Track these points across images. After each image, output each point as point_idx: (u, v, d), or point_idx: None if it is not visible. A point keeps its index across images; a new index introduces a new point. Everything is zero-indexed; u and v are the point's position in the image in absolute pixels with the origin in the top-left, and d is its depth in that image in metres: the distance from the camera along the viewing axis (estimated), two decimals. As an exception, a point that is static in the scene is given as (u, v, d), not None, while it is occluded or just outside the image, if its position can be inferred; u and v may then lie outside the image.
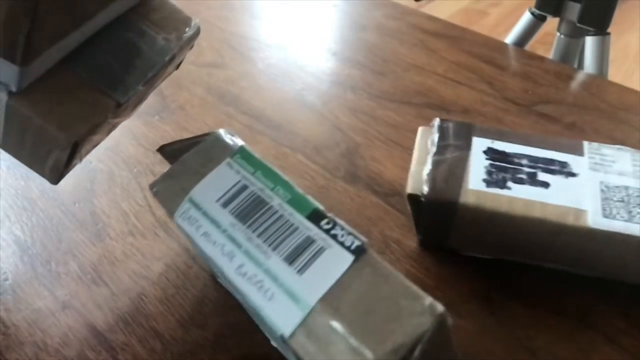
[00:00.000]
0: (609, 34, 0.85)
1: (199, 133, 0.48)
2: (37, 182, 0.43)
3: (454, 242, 0.37)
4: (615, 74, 1.82)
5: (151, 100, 0.52)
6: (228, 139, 0.32)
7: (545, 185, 0.35)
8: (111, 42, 0.33)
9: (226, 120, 0.49)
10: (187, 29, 0.35)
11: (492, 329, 0.34)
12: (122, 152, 0.47)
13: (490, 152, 0.37)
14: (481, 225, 0.35)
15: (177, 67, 0.38)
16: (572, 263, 0.35)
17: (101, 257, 0.38)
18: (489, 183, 0.35)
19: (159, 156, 0.46)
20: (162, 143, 0.47)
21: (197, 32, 0.36)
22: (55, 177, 0.33)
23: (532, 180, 0.35)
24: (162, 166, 0.45)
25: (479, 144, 0.37)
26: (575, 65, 0.90)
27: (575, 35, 0.85)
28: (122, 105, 0.32)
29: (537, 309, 0.35)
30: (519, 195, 0.34)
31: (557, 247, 0.34)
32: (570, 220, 0.33)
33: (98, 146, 0.45)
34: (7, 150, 0.33)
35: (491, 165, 0.36)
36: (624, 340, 0.33)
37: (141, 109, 0.51)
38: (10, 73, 0.28)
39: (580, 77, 0.57)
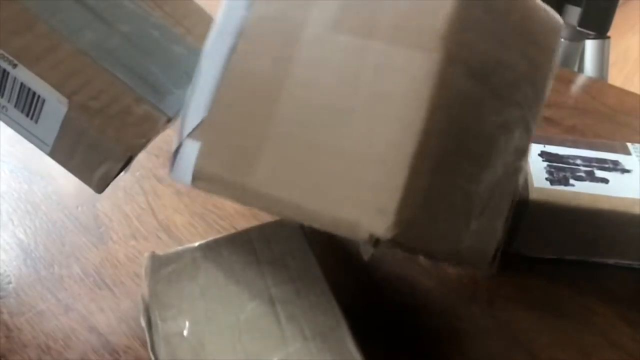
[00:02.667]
0: (609, 37, 0.85)
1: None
2: (40, 185, 0.44)
3: (520, 244, 0.37)
4: (615, 77, 1.82)
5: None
6: None
7: (605, 181, 0.36)
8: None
9: (228, 124, 0.50)
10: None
11: (493, 331, 0.34)
12: (124, 155, 0.47)
13: (545, 155, 0.38)
14: (551, 222, 0.36)
15: None
16: (637, 256, 0.37)
17: (104, 260, 0.38)
18: (552, 181, 0.36)
19: (161, 160, 0.46)
20: (165, 146, 0.47)
21: None
22: (102, 186, 0.34)
23: (592, 177, 0.37)
24: (165, 170, 0.45)
25: (532, 149, 0.38)
26: (576, 69, 0.90)
27: (575, 38, 0.85)
28: (171, 120, 0.32)
29: (538, 311, 0.35)
30: (584, 190, 0.36)
31: (623, 239, 0.36)
32: (637, 210, 0.34)
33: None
34: (54, 157, 0.33)
35: (549, 166, 0.37)
36: (625, 343, 0.34)
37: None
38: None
39: (580, 80, 0.57)
